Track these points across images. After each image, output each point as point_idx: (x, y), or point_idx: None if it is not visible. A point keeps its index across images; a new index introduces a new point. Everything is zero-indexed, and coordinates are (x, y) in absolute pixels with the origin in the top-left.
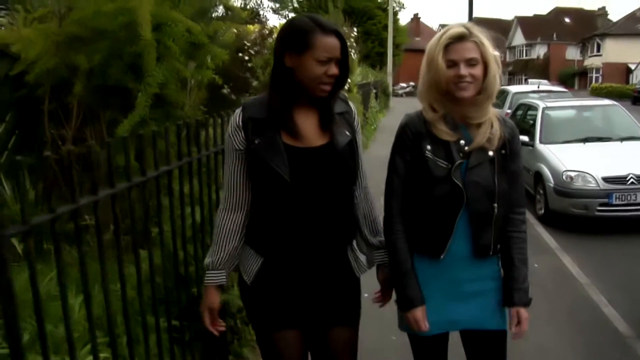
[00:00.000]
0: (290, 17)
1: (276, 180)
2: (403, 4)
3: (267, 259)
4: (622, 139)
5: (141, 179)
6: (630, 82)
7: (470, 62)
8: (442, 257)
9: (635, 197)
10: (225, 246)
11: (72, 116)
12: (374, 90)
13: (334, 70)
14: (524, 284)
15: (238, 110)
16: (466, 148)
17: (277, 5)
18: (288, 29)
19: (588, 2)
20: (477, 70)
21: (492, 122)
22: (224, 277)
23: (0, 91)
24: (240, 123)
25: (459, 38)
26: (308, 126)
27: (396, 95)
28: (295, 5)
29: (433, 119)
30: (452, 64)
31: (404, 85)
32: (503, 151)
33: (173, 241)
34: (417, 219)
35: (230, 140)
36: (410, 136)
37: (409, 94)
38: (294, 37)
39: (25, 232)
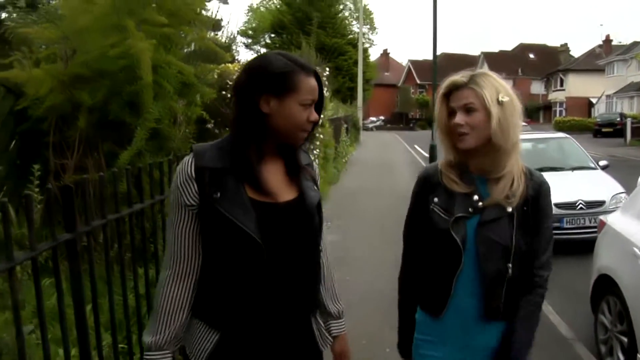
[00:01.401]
0: (261, 52)
1: (243, 241)
2: (373, 41)
3: (224, 335)
4: (573, 169)
5: (141, 206)
6: (592, 116)
7: (467, 109)
8: (441, 315)
9: (584, 221)
10: (172, 322)
11: (73, 148)
12: (345, 125)
13: (315, 115)
14: (518, 352)
15: (188, 158)
16: (480, 204)
17: (250, 40)
18: (265, 68)
19: (551, 39)
20: (476, 119)
21: (513, 176)
22: (170, 359)
23: (5, 124)
24: (193, 173)
25: (457, 86)
26: (274, 179)
27: (366, 129)
28: (268, 41)
29: (444, 168)
30: (452, 112)
31: (373, 119)
32: (525, 208)
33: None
34: (421, 273)
35: (178, 194)
36: (424, 190)
37: (379, 128)
38: (274, 78)
39: (34, 257)
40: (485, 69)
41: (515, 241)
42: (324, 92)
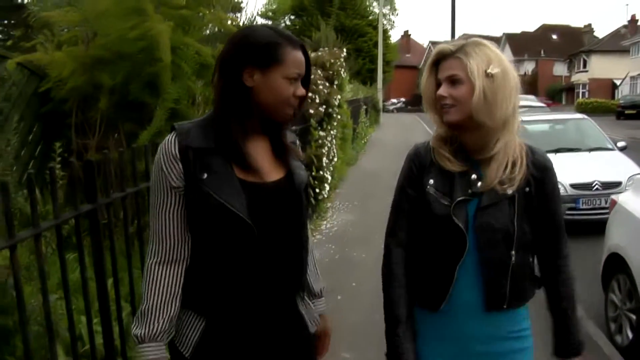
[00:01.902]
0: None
1: (233, 223)
2: (393, 22)
3: (210, 321)
4: (591, 150)
5: (147, 184)
6: (616, 98)
7: (451, 80)
8: (441, 308)
9: (600, 201)
10: (165, 312)
11: (95, 128)
12: (364, 106)
13: (301, 90)
14: (571, 333)
15: (171, 137)
16: (479, 184)
17: (270, 22)
18: (249, 39)
19: (574, 19)
20: (460, 91)
21: (508, 158)
22: (164, 351)
23: (29, 105)
24: (178, 153)
25: (444, 55)
26: (261, 157)
27: (387, 111)
28: (288, 23)
29: (436, 143)
30: (440, 84)
31: (394, 101)
32: (527, 189)
33: None
34: (418, 264)
35: (162, 175)
36: (415, 170)
37: (400, 110)
38: (258, 49)
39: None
40: (507, 50)
41: (517, 227)
42: (312, 68)
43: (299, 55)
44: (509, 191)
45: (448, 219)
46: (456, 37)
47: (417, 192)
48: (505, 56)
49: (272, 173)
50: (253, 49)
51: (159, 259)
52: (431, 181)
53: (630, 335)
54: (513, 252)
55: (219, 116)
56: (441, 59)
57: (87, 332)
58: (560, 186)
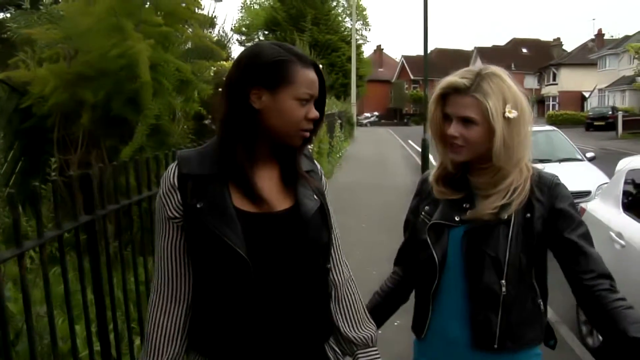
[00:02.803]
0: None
1: (227, 256)
2: (366, 37)
3: None
4: (561, 160)
5: (148, 193)
6: (585, 110)
7: (464, 121)
8: (424, 336)
9: None
10: (166, 350)
11: (77, 144)
12: (339, 120)
13: (314, 112)
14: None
15: (172, 166)
16: (467, 212)
17: (243, 38)
18: (256, 57)
19: (543, 33)
20: (473, 133)
21: (510, 189)
22: None
23: (10, 122)
24: (176, 181)
25: (456, 89)
26: (267, 185)
27: (361, 125)
28: (262, 38)
29: (436, 180)
30: (448, 117)
31: (368, 115)
32: (528, 215)
33: None
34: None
35: (161, 205)
36: (418, 197)
37: (374, 124)
38: (267, 68)
39: (42, 244)
40: (478, 63)
41: (510, 253)
42: (325, 87)
43: (310, 74)
44: (504, 215)
45: (425, 243)
46: (429, 50)
47: (414, 219)
48: (517, 87)
49: (278, 203)
50: (260, 68)
51: (159, 294)
52: (426, 207)
53: (600, 337)
54: (503, 282)
55: (223, 141)
56: (451, 93)
57: (84, 344)
58: None
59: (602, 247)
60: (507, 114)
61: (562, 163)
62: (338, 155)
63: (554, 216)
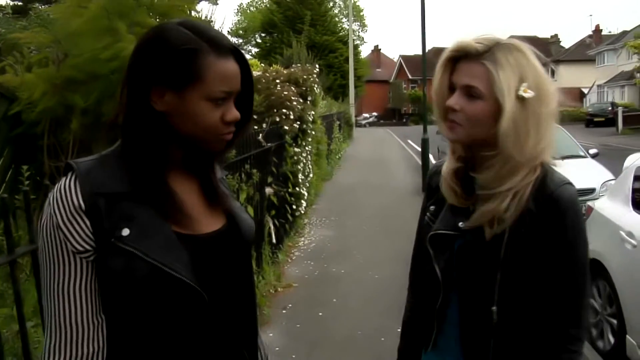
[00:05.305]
0: (252, 52)
1: (172, 291)
2: (363, 38)
3: None
4: (563, 157)
5: None
6: (584, 106)
7: (469, 92)
8: (425, 352)
9: None
10: None
11: (67, 150)
12: (338, 122)
13: (233, 112)
14: None
15: (67, 182)
16: (467, 220)
17: (240, 40)
18: (157, 47)
19: (541, 30)
20: (476, 109)
21: (515, 191)
22: None
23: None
24: (82, 203)
25: (466, 53)
26: (190, 201)
27: (359, 125)
28: (259, 40)
29: (447, 173)
30: (453, 88)
31: (366, 115)
32: (523, 230)
33: None
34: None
35: (59, 237)
36: (427, 192)
37: (372, 124)
38: (170, 62)
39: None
40: None
41: (502, 276)
42: (253, 78)
43: (228, 65)
44: (498, 230)
45: (428, 253)
46: (427, 49)
47: (422, 217)
48: (543, 70)
49: (207, 222)
50: (161, 61)
51: (63, 358)
52: (432, 207)
53: (612, 340)
54: (494, 309)
55: (126, 148)
56: (461, 57)
57: None
58: None
59: (612, 248)
60: (521, 92)
61: (565, 160)
62: (337, 157)
63: (544, 238)
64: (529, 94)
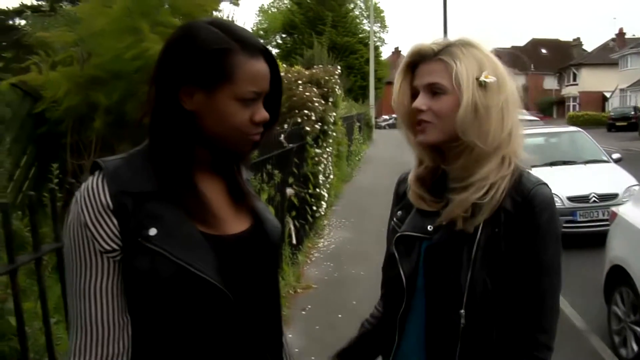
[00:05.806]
0: (273, 53)
1: (199, 293)
2: (384, 39)
3: None
4: (586, 162)
5: None
6: (606, 110)
7: (433, 90)
8: None
9: (597, 214)
10: None
11: (90, 148)
12: (358, 123)
13: (262, 113)
14: None
15: (95, 181)
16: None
17: (262, 41)
18: (187, 46)
19: (563, 33)
20: (442, 104)
21: (486, 185)
22: None
23: (23, 127)
24: (110, 202)
25: (423, 56)
26: (217, 202)
27: (379, 127)
28: (279, 41)
29: (413, 183)
30: (416, 93)
31: (386, 117)
32: (496, 230)
33: None
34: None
35: (87, 236)
36: (394, 200)
37: (391, 126)
38: (201, 61)
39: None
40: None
41: (471, 278)
42: (281, 77)
43: (258, 66)
44: (470, 229)
45: (393, 257)
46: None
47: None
48: (500, 63)
49: (233, 223)
50: (192, 61)
51: (88, 358)
52: (399, 212)
53: (635, 348)
54: (462, 312)
55: (154, 147)
56: (419, 61)
57: None
58: (557, 199)
59: (636, 253)
60: (482, 78)
61: (588, 165)
62: (357, 158)
63: (518, 238)
64: (490, 79)
